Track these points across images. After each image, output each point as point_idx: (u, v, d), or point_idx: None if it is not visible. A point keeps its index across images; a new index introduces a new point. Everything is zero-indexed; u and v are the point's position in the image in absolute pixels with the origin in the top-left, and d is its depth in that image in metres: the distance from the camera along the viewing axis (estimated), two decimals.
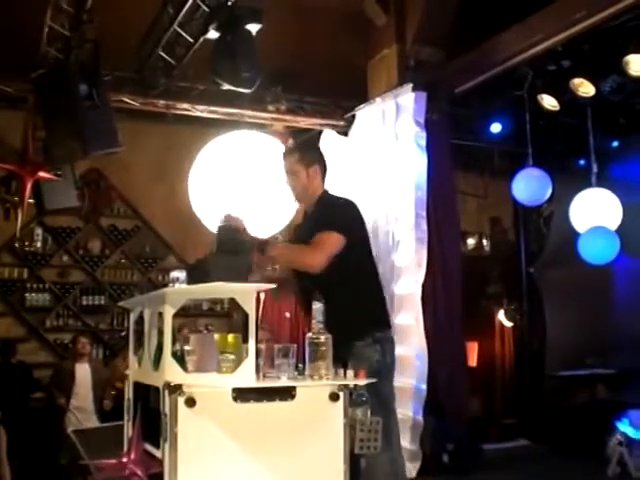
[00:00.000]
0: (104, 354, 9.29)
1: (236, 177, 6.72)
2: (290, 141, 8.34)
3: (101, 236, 9.72)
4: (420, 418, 6.99)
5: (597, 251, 7.36)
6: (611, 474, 7.20)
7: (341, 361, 3.44)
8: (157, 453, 3.09)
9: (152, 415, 3.16)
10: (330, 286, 3.93)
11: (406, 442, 6.73)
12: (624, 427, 7.30)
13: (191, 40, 6.55)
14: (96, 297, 9.51)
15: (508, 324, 10.56)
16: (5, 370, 8.18)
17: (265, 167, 6.98)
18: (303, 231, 4.34)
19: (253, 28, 5.83)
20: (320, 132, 8.60)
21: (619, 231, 7.44)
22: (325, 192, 4.39)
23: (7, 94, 7.06)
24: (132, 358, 3.86)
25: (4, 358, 8.34)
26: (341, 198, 4.47)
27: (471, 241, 10.87)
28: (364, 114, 8.08)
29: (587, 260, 7.42)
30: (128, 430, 3.71)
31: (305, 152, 4.47)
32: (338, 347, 3.58)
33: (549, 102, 7.67)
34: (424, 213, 7.20)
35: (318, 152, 4.59)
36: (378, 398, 3.71)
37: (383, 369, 3.97)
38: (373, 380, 3.38)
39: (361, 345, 3.95)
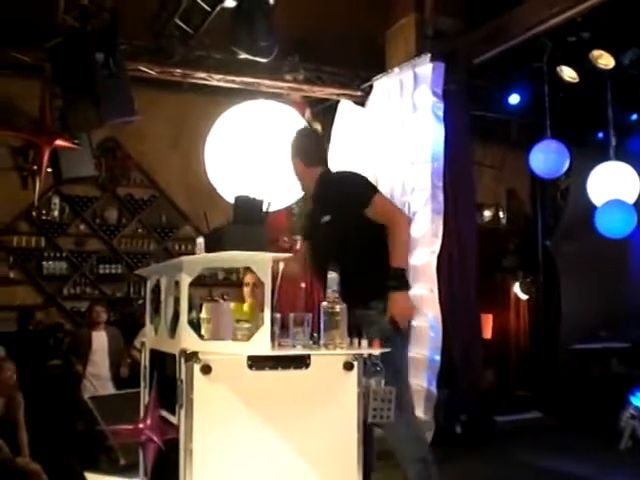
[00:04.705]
0: None
1: (253, 147, 6.71)
2: (307, 114, 8.31)
3: (118, 205, 9.75)
4: (434, 389, 7.03)
5: (614, 224, 7.33)
6: (623, 447, 7.23)
7: (356, 330, 3.46)
8: (173, 419, 3.13)
9: (168, 382, 3.19)
10: (348, 255, 4.02)
11: (420, 412, 6.77)
12: (637, 401, 7.31)
13: (208, 8, 6.52)
14: (113, 266, 9.57)
15: (523, 297, 10.56)
16: (23, 337, 8.26)
17: (282, 137, 6.96)
18: (317, 214, 4.39)
19: None
20: (337, 102, 8.58)
21: (636, 205, 7.41)
22: (323, 172, 4.41)
23: (24, 63, 7.07)
24: (149, 326, 3.90)
25: (22, 325, 8.43)
26: (344, 171, 4.51)
27: (487, 213, 10.84)
28: (382, 84, 8.04)
29: (604, 234, 7.39)
30: (144, 397, 3.75)
31: (290, 148, 4.48)
32: (353, 316, 3.66)
33: (568, 74, 7.61)
34: (440, 184, 7.18)
35: (292, 145, 4.51)
36: (391, 365, 3.76)
37: (394, 337, 3.93)
38: (387, 350, 3.39)
39: (374, 314, 3.96)
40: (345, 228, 4.13)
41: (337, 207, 4.20)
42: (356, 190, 4.22)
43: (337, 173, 4.51)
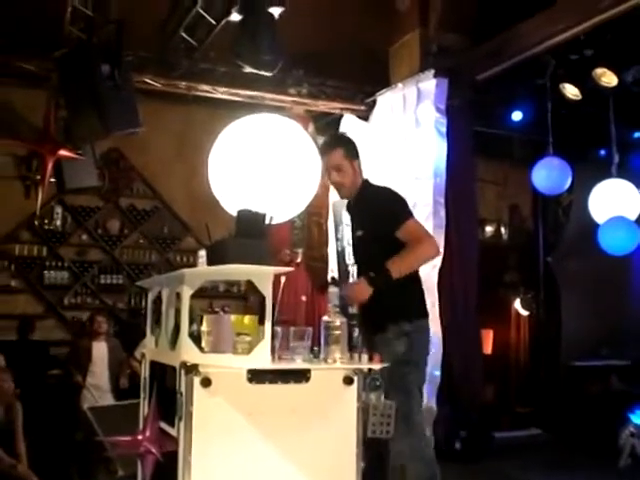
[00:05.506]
0: None
1: (255, 160, 6.72)
2: (311, 128, 8.32)
3: (120, 216, 9.76)
4: (434, 404, 7.01)
5: (617, 242, 7.32)
6: (622, 465, 7.20)
7: (371, 349, 3.50)
8: (172, 432, 3.13)
9: (168, 394, 3.19)
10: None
11: None
12: (637, 419, 7.29)
13: (213, 22, 6.55)
14: (114, 276, 9.57)
15: (524, 313, 10.55)
16: (23, 346, 8.26)
17: (285, 150, 6.97)
18: (353, 225, 4.36)
19: (275, 11, 5.82)
20: (340, 116, 8.59)
21: (638, 222, 7.41)
22: (366, 181, 4.39)
23: (30, 72, 7.10)
24: (149, 337, 3.90)
25: (22, 334, 8.42)
26: (382, 187, 4.44)
27: (489, 229, 10.85)
28: (385, 99, 8.06)
29: (607, 251, 7.39)
30: (144, 408, 3.75)
31: (348, 146, 4.43)
32: (371, 338, 3.83)
33: (571, 91, 7.62)
34: (442, 200, 7.19)
35: (355, 143, 4.51)
36: (400, 386, 3.80)
37: (408, 360, 3.95)
38: (386, 364, 3.40)
39: (390, 337, 3.92)
40: (373, 247, 4.10)
41: (370, 224, 4.17)
42: (390, 210, 4.15)
43: (375, 187, 4.43)
